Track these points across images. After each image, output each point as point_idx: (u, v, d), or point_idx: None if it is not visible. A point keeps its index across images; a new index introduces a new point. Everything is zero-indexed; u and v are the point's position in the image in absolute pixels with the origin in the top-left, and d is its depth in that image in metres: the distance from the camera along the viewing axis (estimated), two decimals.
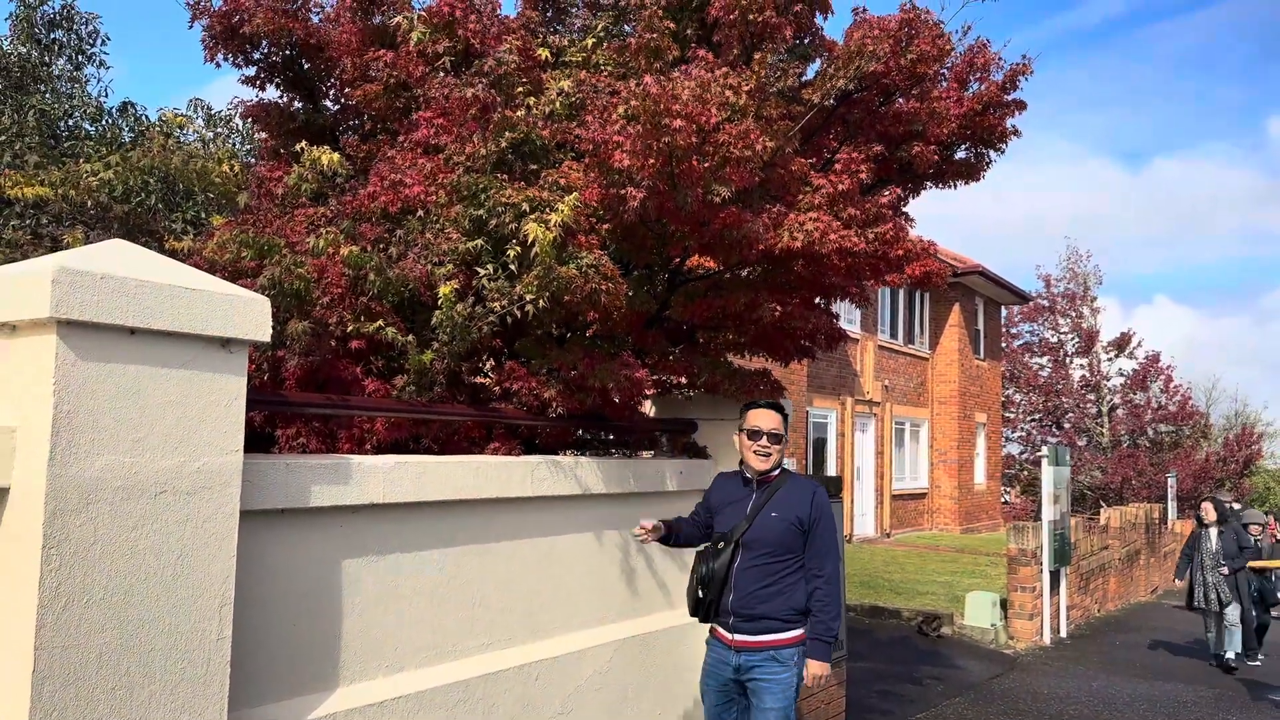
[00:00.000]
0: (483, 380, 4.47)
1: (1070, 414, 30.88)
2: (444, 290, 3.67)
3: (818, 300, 4.76)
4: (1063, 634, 11.03)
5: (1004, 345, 29.24)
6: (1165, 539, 20.19)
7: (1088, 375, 30.72)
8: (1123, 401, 30.57)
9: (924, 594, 11.86)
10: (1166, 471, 25.14)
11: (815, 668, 3.78)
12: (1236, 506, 14.61)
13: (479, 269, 3.73)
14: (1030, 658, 9.81)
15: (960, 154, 5.43)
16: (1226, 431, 32.14)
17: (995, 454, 26.78)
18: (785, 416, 3.92)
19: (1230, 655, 9.83)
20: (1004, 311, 28.27)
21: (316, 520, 3.16)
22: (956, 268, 21.45)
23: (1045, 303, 30.87)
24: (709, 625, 4.01)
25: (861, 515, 19.87)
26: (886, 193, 4.44)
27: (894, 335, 21.55)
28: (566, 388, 4.14)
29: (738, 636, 3.81)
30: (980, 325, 25.08)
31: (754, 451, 3.84)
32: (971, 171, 5.41)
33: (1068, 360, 31.17)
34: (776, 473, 3.89)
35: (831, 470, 18.36)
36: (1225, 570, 9.77)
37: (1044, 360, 31.59)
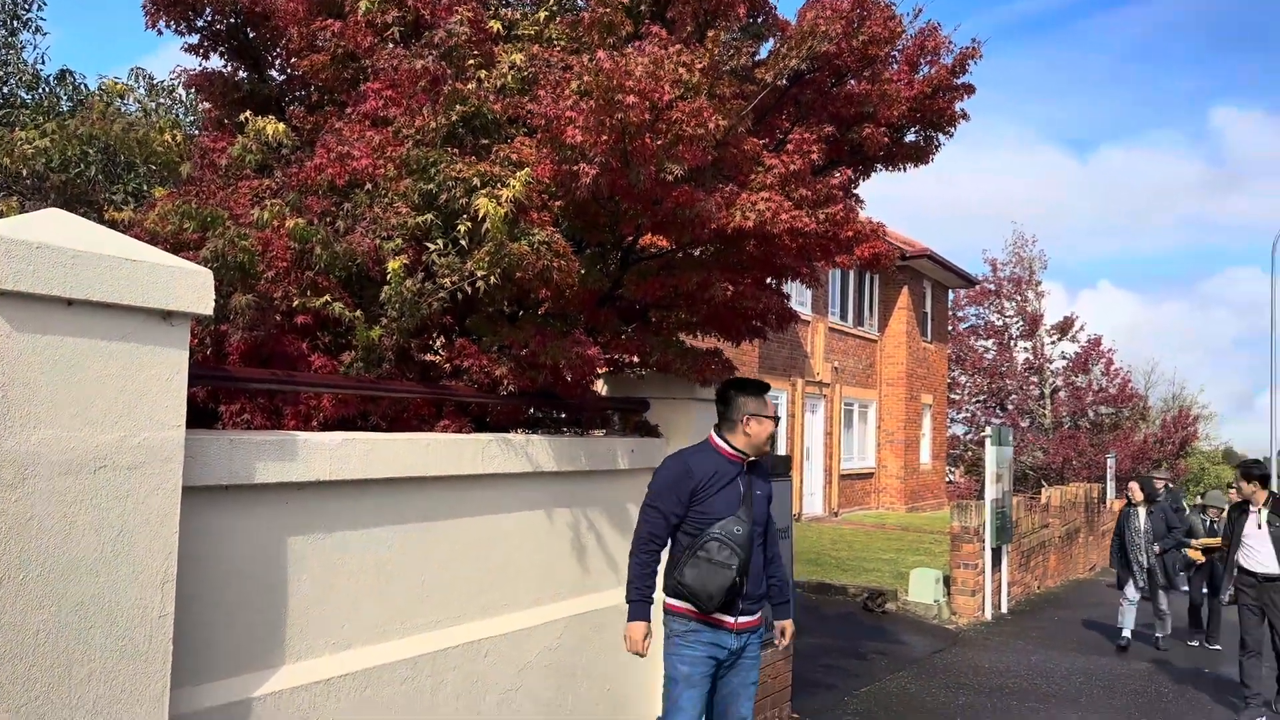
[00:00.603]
0: (433, 358, 4.44)
1: (1014, 396, 31.53)
2: (393, 265, 3.63)
3: (769, 280, 4.80)
4: (1004, 610, 11.30)
5: (950, 328, 29.72)
6: (1104, 518, 20.75)
7: (1031, 358, 31.37)
8: (1065, 384, 31.28)
9: (870, 571, 12.07)
10: (1106, 452, 25.82)
11: (790, 625, 4.10)
12: (1170, 486, 14.73)
13: (429, 244, 3.69)
14: (972, 633, 10.04)
15: (910, 137, 5.48)
16: (1164, 414, 33.09)
17: (941, 435, 27.27)
18: None
19: (1158, 635, 9.88)
20: (951, 295, 28.71)
21: (262, 497, 3.11)
22: (905, 251, 21.71)
23: (991, 287, 31.41)
24: (692, 613, 3.75)
25: (810, 495, 20.12)
26: (837, 174, 4.47)
27: (844, 317, 21.78)
28: (518, 365, 4.13)
29: (742, 619, 3.77)
30: (928, 308, 25.46)
31: (770, 435, 3.86)
32: (921, 154, 5.47)
33: (1012, 343, 31.79)
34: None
35: (782, 450, 18.55)
36: (1157, 549, 9.71)
37: (989, 343, 32.18)
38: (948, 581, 10.78)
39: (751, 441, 3.84)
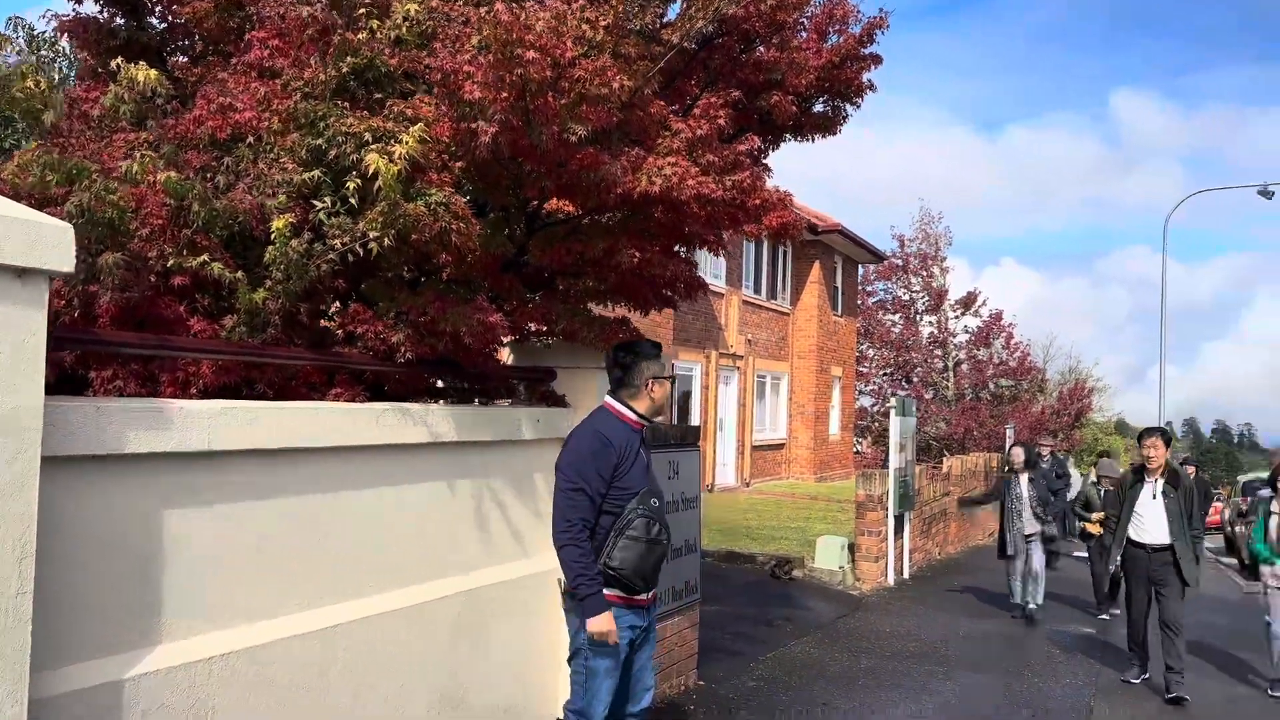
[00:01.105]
0: (327, 324, 4.27)
1: (919, 368, 32.34)
2: (277, 224, 3.44)
3: (677, 248, 4.74)
4: (905, 576, 11.61)
5: (860, 303, 30.29)
6: (993, 485, 21.53)
7: (936, 332, 32.19)
8: (967, 357, 32.21)
9: (778, 539, 12.25)
10: (1005, 423, 26.74)
11: None
12: (1056, 454, 15.14)
13: (316, 202, 3.51)
14: (875, 598, 10.28)
15: (819, 107, 5.48)
16: (1061, 386, 34.40)
17: (849, 406, 27.84)
18: None
19: (1032, 605, 9.57)
20: (861, 270, 29.24)
21: (135, 468, 2.93)
22: (818, 225, 21.98)
23: (899, 262, 32.06)
24: (619, 599, 3.59)
25: (723, 465, 20.33)
26: (745, 142, 4.42)
27: (758, 290, 21.97)
28: (416, 332, 3.99)
29: (652, 592, 3.70)
30: (839, 283, 25.87)
31: (667, 395, 3.74)
32: (829, 124, 5.47)
33: (918, 317, 32.56)
34: None
35: (695, 421, 18.66)
36: (1042, 515, 9.57)
37: (896, 317, 32.89)
38: (852, 549, 11.00)
39: (654, 405, 3.75)
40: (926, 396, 31.28)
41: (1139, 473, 7.07)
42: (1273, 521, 7.11)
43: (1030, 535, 9.62)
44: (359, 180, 3.45)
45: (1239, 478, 24.99)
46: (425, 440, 4.13)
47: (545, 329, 4.85)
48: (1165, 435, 7.19)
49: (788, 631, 8.09)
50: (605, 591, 3.54)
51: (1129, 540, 6.98)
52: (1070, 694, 6.83)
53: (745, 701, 6.08)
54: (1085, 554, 10.86)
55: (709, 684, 6.33)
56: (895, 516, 11.13)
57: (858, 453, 29.94)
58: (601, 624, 3.51)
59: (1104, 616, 9.89)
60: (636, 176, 3.91)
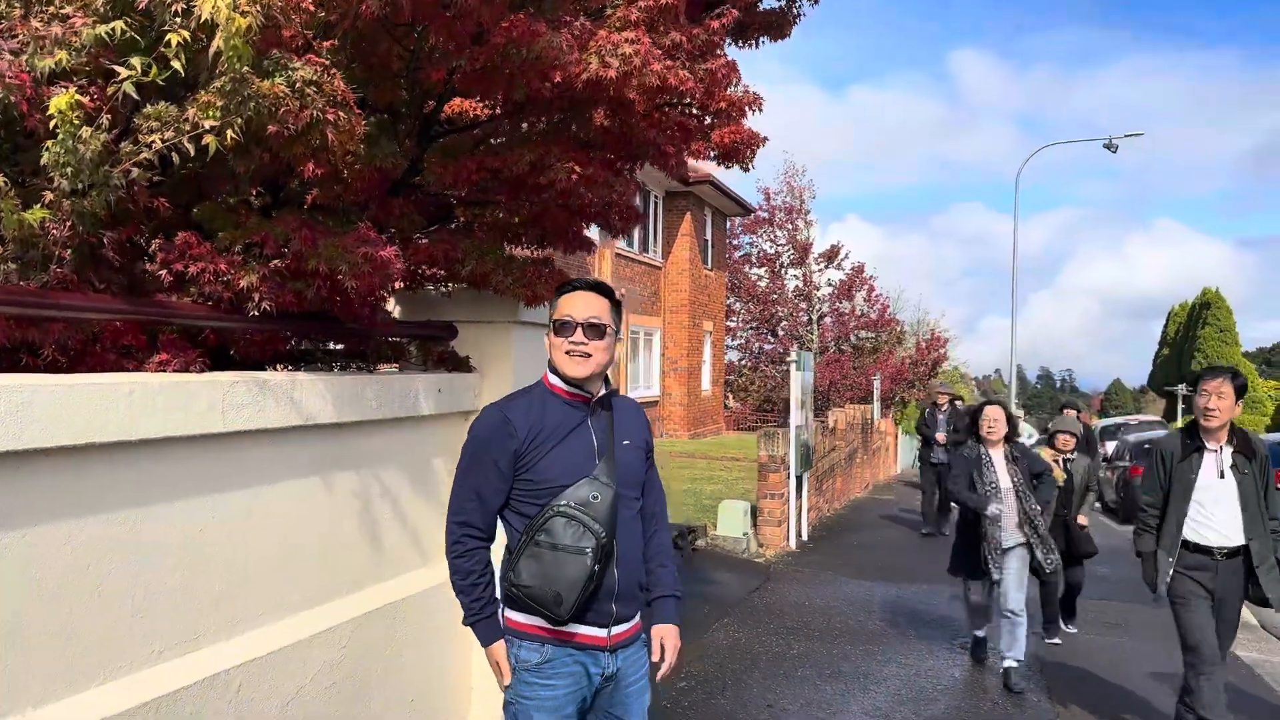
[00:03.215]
0: (151, 268, 3.07)
1: (785, 322, 32.31)
2: (58, 103, 2.23)
3: (620, 165, 3.70)
4: (804, 537, 11.08)
5: (728, 256, 29.88)
6: (874, 438, 21.61)
7: (801, 285, 32.17)
8: (831, 310, 32.36)
9: (673, 504, 11.48)
10: (869, 375, 26.95)
11: (674, 636, 2.72)
12: (942, 403, 12.59)
13: (121, 69, 2.30)
14: (782, 565, 9.66)
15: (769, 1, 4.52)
16: (918, 337, 35.13)
17: (719, 361, 27.48)
18: (615, 304, 2.66)
19: (1010, 662, 5.85)
20: (728, 223, 28.77)
21: None
22: (689, 176, 21.19)
23: (765, 215, 31.78)
24: (543, 631, 2.54)
25: None
26: (718, 16, 3.41)
27: (630, 244, 21.05)
28: (275, 273, 2.84)
29: (616, 629, 2.56)
30: (709, 235, 25.28)
31: (566, 352, 2.56)
32: (780, 24, 4.52)
33: (783, 271, 32.44)
34: (600, 387, 2.67)
35: None
36: (1034, 520, 5.82)
37: (762, 271, 32.68)
38: (754, 513, 10.35)
39: (560, 365, 2.60)
40: (792, 349, 31.30)
41: (1193, 435, 4.58)
42: None
43: (1011, 547, 5.82)
44: (186, 37, 2.26)
45: (1098, 421, 25.72)
46: (293, 423, 3.00)
47: (446, 273, 3.74)
48: (1237, 378, 4.47)
49: (706, 613, 7.30)
50: (518, 618, 2.56)
51: (1184, 544, 4.51)
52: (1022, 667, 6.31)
53: (682, 711, 5.22)
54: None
55: None
56: (796, 477, 10.54)
57: (727, 409, 29.73)
58: (493, 654, 2.57)
59: (1058, 640, 7.00)
60: (584, 56, 2.86)
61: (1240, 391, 4.46)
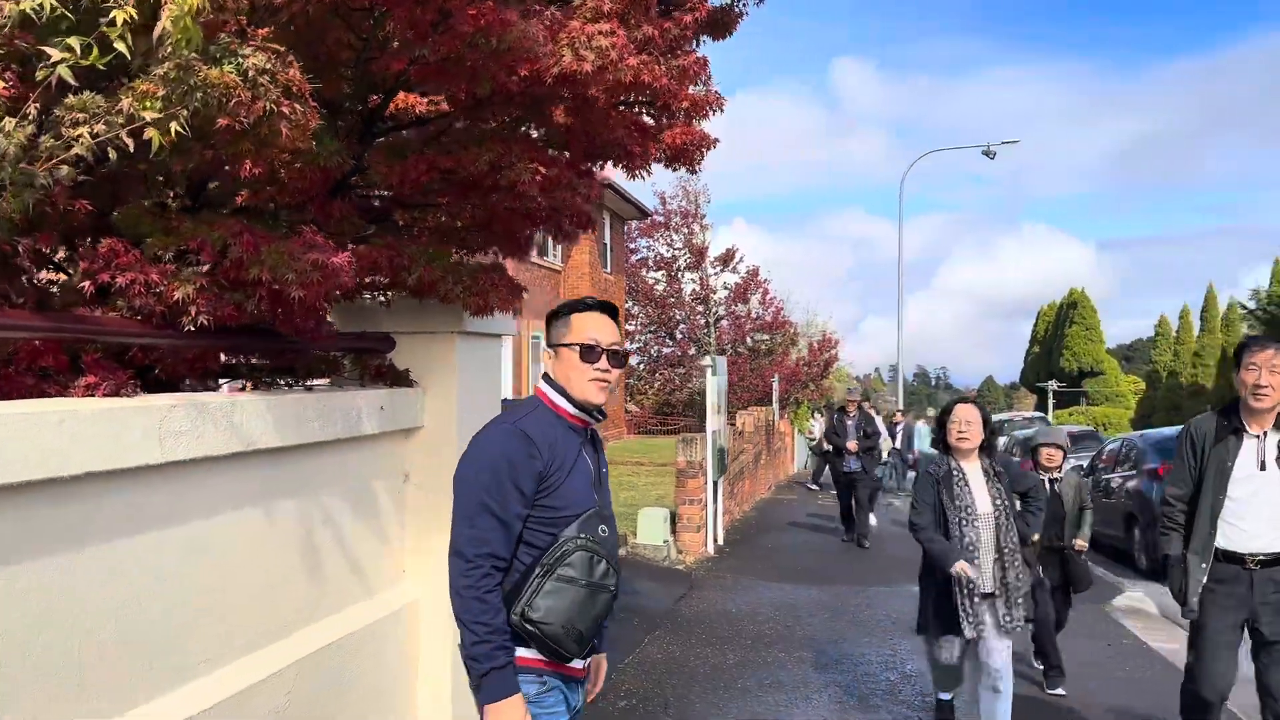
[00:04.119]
0: (57, 277, 2.74)
1: (682, 325, 32.49)
2: None
3: (585, 165, 3.50)
4: (720, 541, 11.05)
5: (626, 260, 29.85)
6: (775, 439, 21.88)
7: (698, 289, 32.40)
8: (727, 313, 32.71)
9: None
10: (766, 376, 27.30)
11: (604, 662, 2.76)
12: (851, 410, 12.07)
13: (52, 51, 1.98)
14: (703, 571, 9.59)
15: None
16: (810, 339, 35.81)
17: None
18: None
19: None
20: (626, 227, 28.74)
21: None
22: (602, 175, 21.02)
23: (661, 219, 31.88)
24: (544, 664, 2.35)
25: None
26: (691, 10, 3.24)
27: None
28: (215, 283, 2.55)
29: (590, 659, 2.53)
30: (608, 239, 25.20)
31: (592, 380, 2.39)
32: (726, 23, 4.40)
33: (680, 274, 32.61)
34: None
35: None
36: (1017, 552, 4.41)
37: (659, 274, 32.78)
38: (673, 519, 10.25)
39: (572, 387, 2.43)
40: (691, 353, 31.49)
41: (1230, 418, 3.86)
42: None
43: (992, 592, 4.42)
44: (132, 14, 1.96)
45: (1015, 433, 25.17)
46: (234, 449, 2.70)
47: (389, 280, 3.47)
48: None
49: (636, 626, 7.14)
50: (521, 653, 2.30)
51: (1217, 552, 3.80)
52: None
53: None
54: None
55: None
56: (714, 482, 10.49)
57: (628, 413, 29.67)
58: (506, 713, 2.23)
59: (1059, 691, 5.70)
60: (558, 49, 2.66)
61: None
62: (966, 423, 4.51)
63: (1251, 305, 38.92)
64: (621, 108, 3.14)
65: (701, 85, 3.33)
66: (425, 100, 3.27)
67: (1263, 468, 3.72)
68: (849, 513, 12.09)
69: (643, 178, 3.58)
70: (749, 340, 32.64)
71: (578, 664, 2.42)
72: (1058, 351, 59.83)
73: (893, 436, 20.19)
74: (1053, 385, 54.72)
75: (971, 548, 4.34)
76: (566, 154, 3.35)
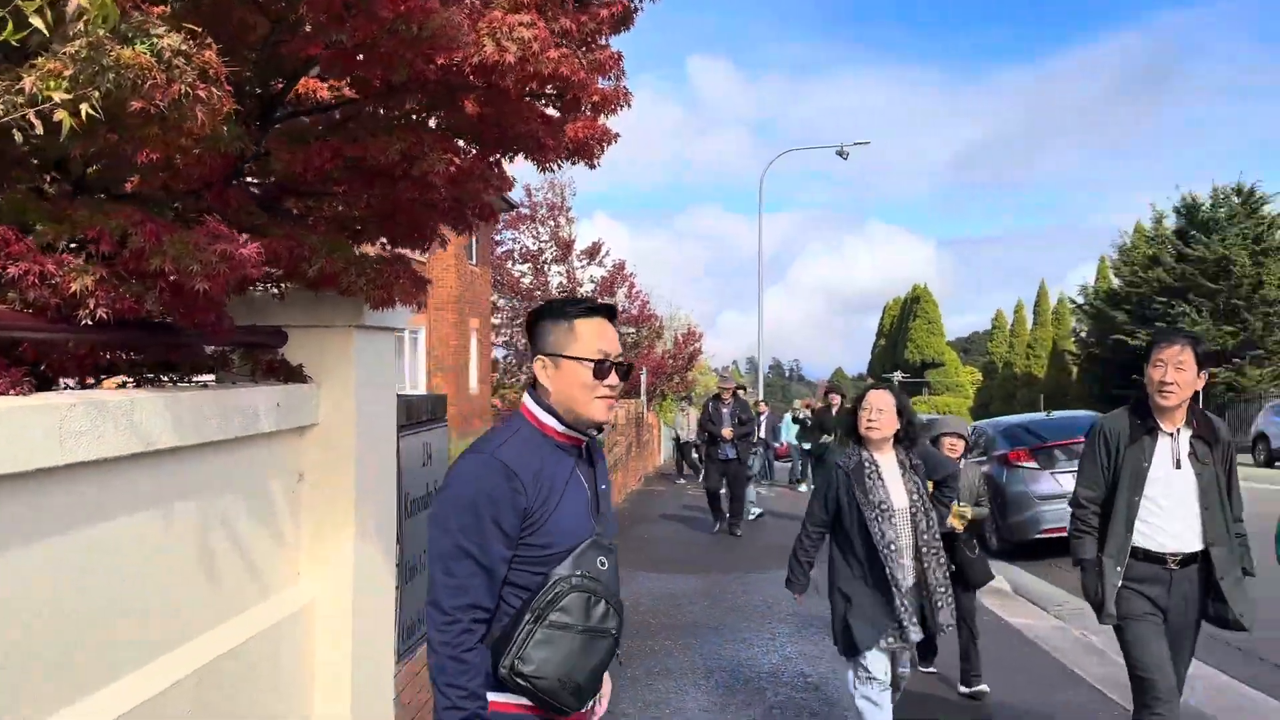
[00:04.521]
0: None
1: None
2: None
3: (495, 156, 3.46)
4: None
5: (491, 252, 29.52)
6: (643, 431, 22.16)
7: (565, 282, 32.38)
8: None
9: None
10: (634, 370, 27.56)
11: (609, 684, 2.44)
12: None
13: None
14: None
15: None
16: (675, 332, 36.37)
17: (486, 359, 27.13)
18: None
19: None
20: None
21: None
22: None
23: (527, 211, 31.69)
24: (529, 710, 2.11)
25: None
26: (607, 4, 3.25)
27: None
28: (114, 274, 2.41)
29: (590, 705, 2.20)
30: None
31: (601, 398, 2.16)
32: (625, 19, 4.43)
33: (547, 267, 32.52)
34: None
35: None
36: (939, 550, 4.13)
37: (525, 267, 32.59)
38: None
39: (563, 400, 2.19)
40: None
41: (1142, 415, 3.79)
42: None
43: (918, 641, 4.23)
44: None
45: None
46: (134, 449, 2.55)
47: (287, 271, 3.35)
48: (1199, 344, 3.73)
49: None
50: (503, 699, 2.08)
51: (1133, 551, 3.73)
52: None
53: None
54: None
55: None
56: None
57: (495, 408, 29.39)
58: None
59: (981, 688, 5.67)
60: (479, 38, 2.64)
61: (1204, 361, 3.68)
62: (878, 410, 4.19)
63: (1080, 300, 41.98)
64: (528, 99, 3.13)
65: (612, 80, 3.36)
66: (326, 86, 3.17)
67: (1178, 466, 3.69)
68: (718, 502, 12.28)
69: (552, 170, 3.58)
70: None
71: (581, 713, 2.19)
72: (902, 344, 62.89)
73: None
74: (898, 376, 57.54)
75: (893, 546, 4.01)
76: (475, 146, 3.31)
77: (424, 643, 4.70)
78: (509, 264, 32.28)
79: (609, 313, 2.25)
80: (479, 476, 2.06)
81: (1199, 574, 3.70)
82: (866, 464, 4.14)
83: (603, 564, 2.12)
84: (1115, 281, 37.85)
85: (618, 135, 4.00)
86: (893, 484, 4.12)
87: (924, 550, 4.05)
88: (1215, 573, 3.64)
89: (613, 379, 2.17)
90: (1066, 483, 10.59)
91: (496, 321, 31.10)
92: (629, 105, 3.50)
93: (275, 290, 3.67)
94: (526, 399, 2.23)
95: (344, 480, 3.79)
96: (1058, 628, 7.37)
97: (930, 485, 4.36)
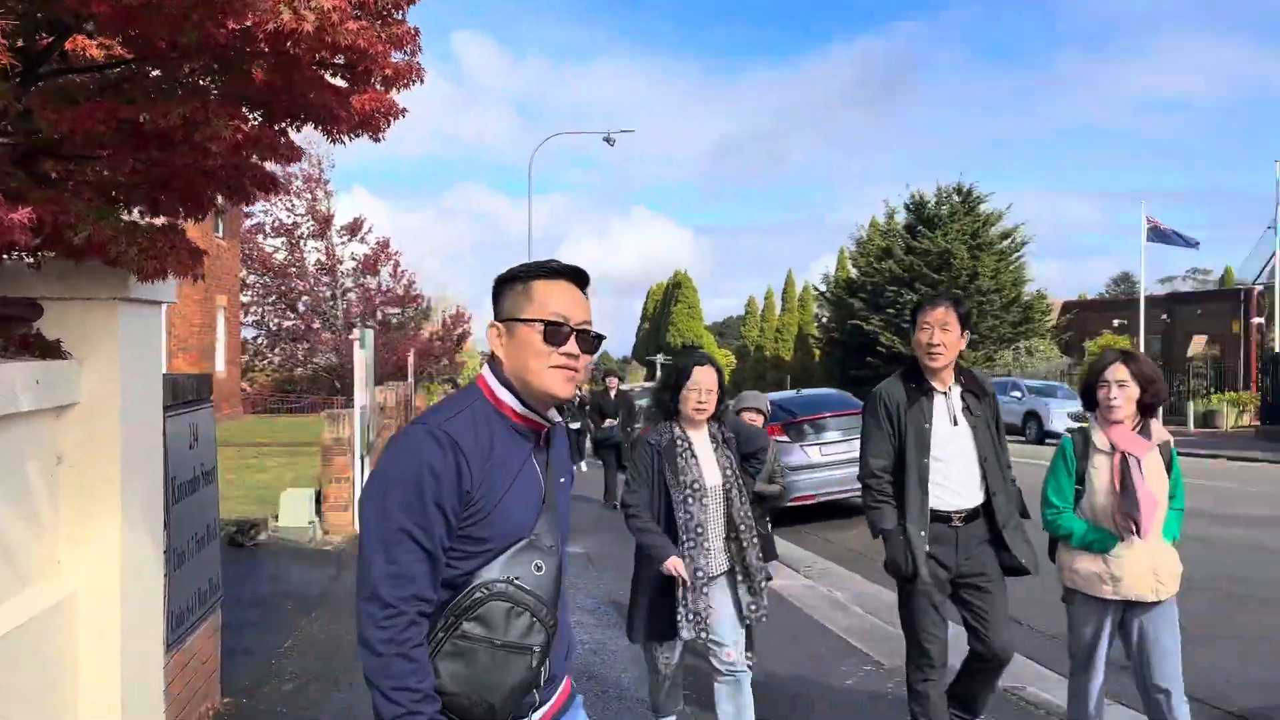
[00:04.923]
0: None
1: (306, 297, 30.92)
2: None
3: (283, 124, 3.34)
4: None
5: (240, 225, 27.74)
6: (412, 414, 21.70)
7: (323, 259, 31.00)
8: (355, 285, 31.67)
9: (224, 497, 10.52)
10: (400, 352, 26.92)
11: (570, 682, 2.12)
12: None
13: None
14: (352, 549, 9.38)
15: None
16: (443, 313, 35.75)
17: (234, 339, 25.55)
18: None
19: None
20: None
21: None
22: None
23: (282, 181, 30.01)
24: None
25: None
26: None
27: None
28: None
29: (539, 713, 1.90)
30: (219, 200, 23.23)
31: (556, 368, 1.88)
32: None
33: (303, 243, 30.99)
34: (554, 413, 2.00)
35: None
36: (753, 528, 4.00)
37: (279, 242, 30.91)
38: (318, 499, 9.90)
39: (521, 375, 1.91)
40: (315, 326, 30.12)
41: (916, 379, 3.84)
42: (1097, 475, 3.66)
43: (720, 575, 3.96)
44: None
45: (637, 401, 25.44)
46: None
47: (51, 238, 3.10)
48: (960, 305, 3.82)
49: (291, 609, 6.88)
50: None
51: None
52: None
53: (302, 711, 4.92)
54: None
55: (239, 699, 5.02)
56: (361, 458, 10.28)
57: (244, 391, 27.70)
58: None
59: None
60: (275, 4, 2.58)
61: (965, 320, 3.76)
62: (708, 391, 3.89)
63: (822, 288, 45.23)
64: (316, 68, 3.08)
65: (407, 54, 3.35)
66: (96, 44, 2.95)
67: (955, 423, 3.76)
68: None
69: (344, 143, 3.51)
70: (380, 314, 31.89)
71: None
72: (665, 327, 65.16)
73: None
74: (660, 358, 59.60)
75: (700, 529, 3.77)
76: (260, 114, 3.20)
77: (193, 632, 4.53)
78: (260, 238, 30.48)
79: (576, 276, 1.96)
80: (422, 450, 1.76)
81: (984, 527, 3.77)
82: (679, 441, 3.89)
83: (539, 569, 1.82)
84: (853, 271, 41.10)
85: (405, 110, 3.98)
86: (705, 461, 3.89)
87: (741, 528, 3.85)
88: (998, 522, 3.73)
89: (571, 346, 1.88)
90: (814, 454, 11.56)
91: (246, 299, 29.29)
92: (422, 81, 3.50)
93: (30, 260, 3.38)
94: (485, 371, 1.97)
95: (108, 463, 3.56)
96: (808, 586, 8.05)
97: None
